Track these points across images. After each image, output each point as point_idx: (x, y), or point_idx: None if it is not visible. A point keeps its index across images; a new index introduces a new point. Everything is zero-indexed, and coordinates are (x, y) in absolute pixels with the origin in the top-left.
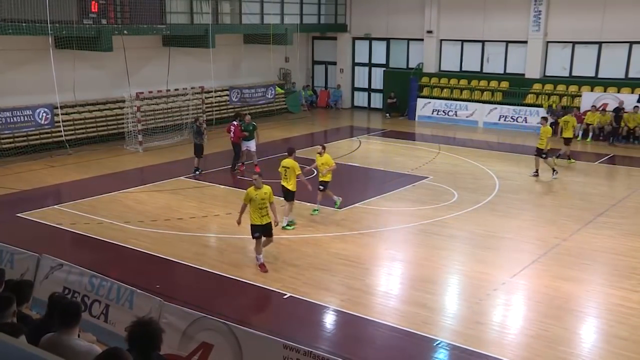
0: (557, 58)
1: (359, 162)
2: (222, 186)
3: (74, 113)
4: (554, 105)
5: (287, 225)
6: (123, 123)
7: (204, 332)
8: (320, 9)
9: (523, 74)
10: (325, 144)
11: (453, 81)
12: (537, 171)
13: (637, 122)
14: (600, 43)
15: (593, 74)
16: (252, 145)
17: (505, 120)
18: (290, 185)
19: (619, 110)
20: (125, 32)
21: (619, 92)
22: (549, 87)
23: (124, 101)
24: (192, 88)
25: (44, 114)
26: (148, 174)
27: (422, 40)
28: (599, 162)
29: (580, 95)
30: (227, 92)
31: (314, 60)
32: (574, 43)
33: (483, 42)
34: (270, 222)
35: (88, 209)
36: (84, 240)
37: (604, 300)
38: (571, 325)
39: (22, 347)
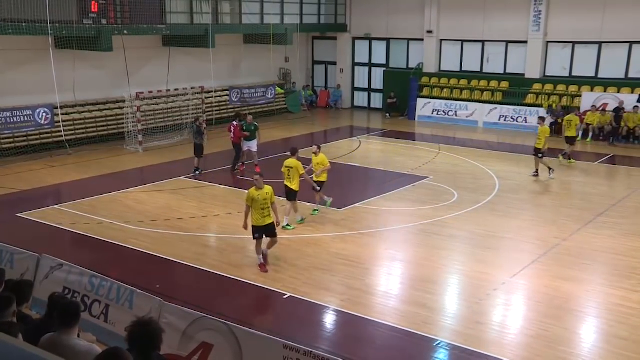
0: (557, 58)
1: (359, 162)
2: (222, 186)
3: (74, 113)
4: (554, 105)
5: (287, 225)
6: (123, 123)
7: (204, 332)
8: (320, 9)
9: (523, 74)
10: (322, 144)
11: (453, 81)
12: (537, 171)
13: (637, 122)
14: (600, 43)
15: (593, 74)
16: (253, 145)
17: (505, 120)
18: (294, 185)
19: (619, 110)
20: (125, 32)
21: (619, 92)
22: (549, 87)
23: (124, 101)
24: (192, 88)
25: (44, 114)
26: (148, 174)
27: (422, 40)
28: (599, 162)
29: (580, 95)
30: (227, 92)
31: (314, 60)
32: (574, 43)
33: (483, 42)
34: (273, 222)
35: (88, 209)
36: (84, 240)
37: (604, 300)
38: (571, 325)
39: (22, 347)
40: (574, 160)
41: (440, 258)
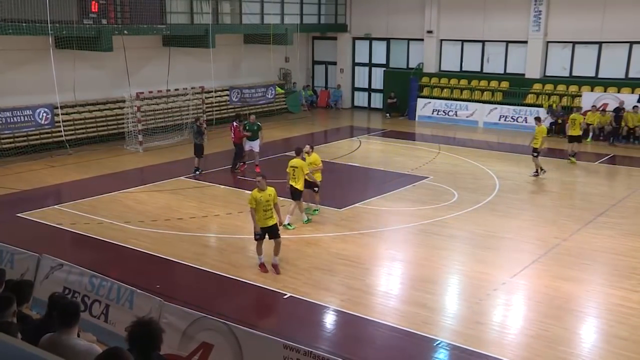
0: (557, 58)
1: (359, 162)
2: (222, 186)
3: (74, 113)
4: (554, 105)
5: (288, 224)
6: (123, 123)
7: (204, 332)
8: (320, 9)
9: (523, 74)
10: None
11: (453, 81)
12: (537, 171)
13: (637, 122)
14: (600, 43)
15: (593, 74)
16: (255, 145)
17: (505, 120)
18: (299, 185)
19: (619, 110)
20: (125, 32)
21: (619, 92)
22: (549, 87)
23: (124, 101)
24: (192, 88)
25: (44, 114)
26: (148, 174)
27: (422, 40)
28: (599, 162)
29: (580, 96)
30: (227, 92)
31: (314, 60)
32: (574, 43)
33: (483, 42)
34: (276, 224)
35: (88, 209)
36: (84, 240)
37: (604, 300)
38: (571, 325)
39: (22, 347)
40: (575, 161)
41: (440, 258)
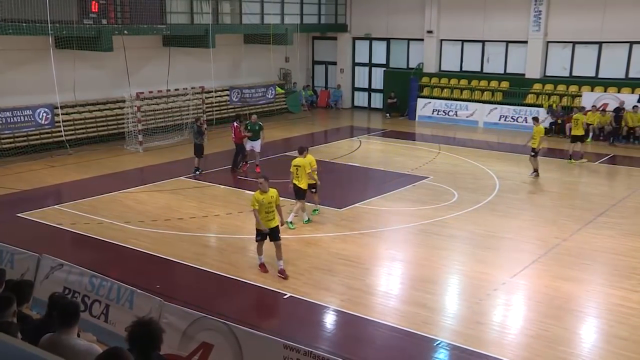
0: (557, 58)
1: (359, 162)
2: (223, 186)
3: (74, 113)
4: (554, 106)
5: (290, 222)
6: (123, 123)
7: (204, 332)
8: (320, 9)
9: (523, 74)
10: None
11: (453, 81)
12: (536, 170)
13: (637, 122)
14: (600, 43)
15: (593, 74)
16: (257, 145)
17: (505, 120)
18: (302, 184)
19: (619, 111)
20: (125, 32)
21: (619, 92)
22: (549, 87)
23: (124, 101)
24: (192, 88)
25: (44, 114)
26: (148, 174)
27: (422, 40)
28: (599, 162)
29: (580, 96)
30: (228, 92)
31: (314, 60)
32: (574, 43)
33: (483, 42)
34: (278, 226)
35: (88, 209)
36: (84, 240)
37: (604, 300)
38: (571, 325)
39: (22, 347)
40: (574, 161)
41: (440, 258)
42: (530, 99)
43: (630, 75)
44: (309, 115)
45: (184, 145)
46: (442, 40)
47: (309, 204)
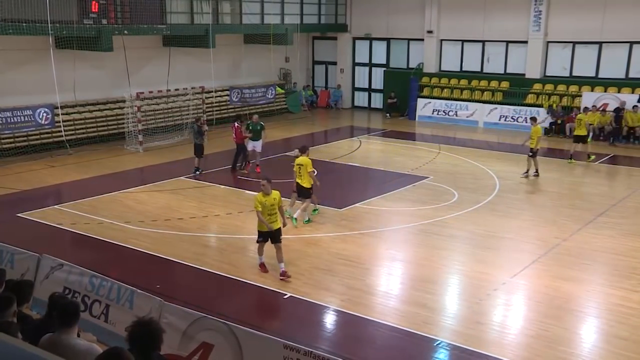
0: (557, 58)
1: (359, 162)
2: (223, 186)
3: (74, 113)
4: (554, 106)
5: (294, 218)
6: (123, 123)
7: (204, 332)
8: (320, 9)
9: (523, 74)
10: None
11: (453, 81)
12: (536, 171)
13: (637, 122)
14: (600, 43)
15: (593, 74)
16: (258, 145)
17: (505, 120)
18: (305, 183)
19: (619, 111)
20: (125, 32)
21: (619, 92)
22: (549, 87)
23: (124, 101)
24: (192, 88)
25: (44, 114)
26: (148, 174)
27: (422, 40)
28: (599, 162)
29: (580, 96)
30: (228, 92)
31: (314, 60)
32: (574, 43)
33: (483, 42)
34: (279, 228)
35: (88, 209)
36: (84, 240)
37: (604, 300)
38: (571, 325)
39: (22, 347)
40: (593, 157)
41: (440, 258)
42: (530, 99)
43: (631, 75)
44: (309, 115)
45: (184, 145)
46: (442, 40)
47: (311, 204)
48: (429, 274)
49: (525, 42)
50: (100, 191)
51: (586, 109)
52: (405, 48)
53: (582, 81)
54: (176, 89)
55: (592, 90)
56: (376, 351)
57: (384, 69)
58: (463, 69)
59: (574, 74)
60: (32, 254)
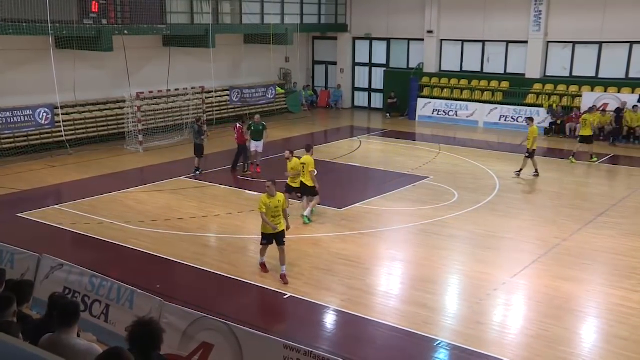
0: (557, 58)
1: (359, 162)
2: (223, 186)
3: (75, 113)
4: (554, 106)
5: (307, 217)
6: (123, 123)
7: (205, 332)
8: (320, 9)
9: (523, 74)
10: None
11: (453, 81)
12: (536, 170)
13: (637, 121)
14: (600, 43)
15: (593, 74)
16: (260, 145)
17: (505, 120)
18: (309, 181)
19: (620, 111)
20: (125, 32)
21: (619, 92)
22: (549, 87)
23: (124, 101)
24: (192, 88)
25: (45, 114)
26: (148, 174)
27: (422, 40)
28: (599, 162)
29: (580, 96)
30: (228, 92)
31: (314, 60)
32: (574, 43)
33: (483, 42)
34: (284, 230)
35: (88, 209)
36: (85, 240)
37: (604, 300)
38: (571, 325)
39: (22, 347)
40: (596, 159)
41: (440, 258)
42: (530, 99)
43: (631, 75)
44: (309, 115)
45: (184, 145)
46: (442, 40)
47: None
48: (429, 274)
49: (526, 42)
50: (101, 191)
51: (591, 109)
52: (406, 48)
53: (582, 81)
54: (176, 89)
55: (592, 91)
56: (376, 351)
57: (384, 69)
58: (463, 69)
59: (574, 74)
60: (32, 254)
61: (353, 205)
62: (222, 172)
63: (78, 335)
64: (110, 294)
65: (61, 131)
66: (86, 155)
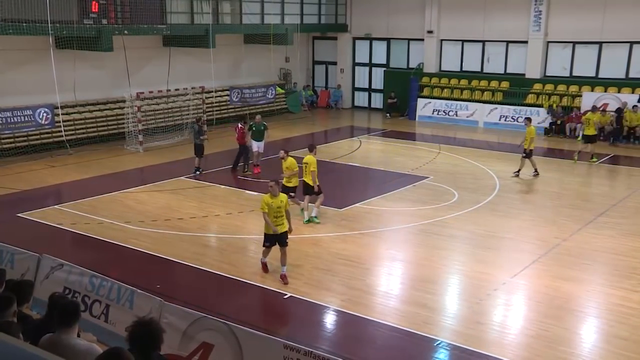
0: (557, 58)
1: (359, 162)
2: (223, 186)
3: (75, 113)
4: (554, 106)
5: (315, 217)
6: (123, 123)
7: (205, 332)
8: (320, 9)
9: (523, 74)
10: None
11: (453, 81)
12: (535, 170)
13: (637, 121)
14: (600, 43)
15: (593, 74)
16: (261, 146)
17: (505, 120)
18: (311, 181)
19: (621, 111)
20: (125, 32)
21: (619, 92)
22: (549, 87)
23: (124, 101)
24: (192, 88)
25: (45, 114)
26: (148, 174)
27: (422, 40)
28: (600, 162)
29: (580, 96)
30: (228, 92)
31: (314, 60)
32: (574, 43)
33: (483, 42)
34: (286, 231)
35: (88, 209)
36: (85, 240)
37: (604, 300)
38: (571, 325)
39: (22, 347)
40: (596, 160)
41: (440, 258)
42: (530, 99)
43: (631, 75)
44: (309, 115)
45: (184, 145)
46: (442, 40)
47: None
48: (429, 274)
49: (526, 42)
50: (101, 191)
51: (594, 108)
52: (406, 48)
53: (582, 81)
54: (176, 89)
55: (592, 91)
56: (376, 351)
57: (384, 69)
58: (463, 69)
59: (574, 74)
60: (32, 254)
61: (353, 205)
62: (222, 172)
63: (78, 335)
64: (110, 294)
65: (61, 131)
66: (86, 155)
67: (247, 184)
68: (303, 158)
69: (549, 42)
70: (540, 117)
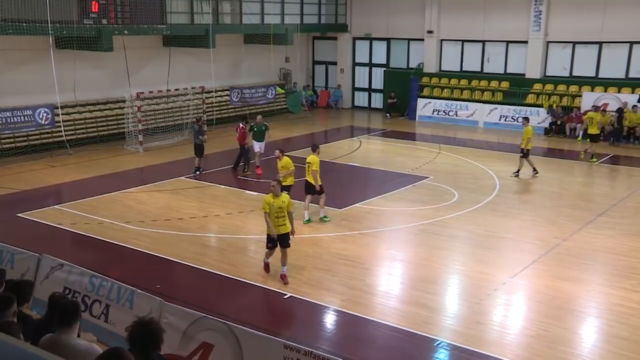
0: (557, 58)
1: (359, 162)
2: (223, 186)
3: (75, 113)
4: (554, 106)
5: (324, 216)
6: (123, 123)
7: (205, 332)
8: (320, 9)
9: (523, 74)
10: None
11: (453, 81)
12: (534, 170)
13: (636, 121)
14: (600, 43)
15: (593, 74)
16: (263, 146)
17: (505, 120)
18: (314, 180)
19: (622, 111)
20: (125, 32)
21: (619, 92)
22: (549, 87)
23: (124, 101)
24: (192, 88)
25: (45, 114)
26: (148, 174)
27: (422, 40)
28: (600, 162)
29: (580, 96)
30: (228, 92)
31: (314, 60)
32: (574, 43)
33: (483, 42)
34: (288, 233)
35: (88, 209)
36: (85, 240)
37: (604, 300)
38: (571, 325)
39: (22, 347)
40: (596, 160)
41: (440, 258)
42: (530, 99)
43: (631, 75)
44: (309, 115)
45: (184, 145)
46: (442, 40)
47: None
48: (429, 274)
49: (526, 42)
50: (100, 191)
51: (596, 108)
52: (406, 48)
53: (582, 81)
54: (176, 89)
55: (592, 90)
56: (376, 351)
57: (384, 69)
58: (463, 69)
59: (574, 74)
60: (32, 254)
61: (353, 205)
62: (222, 172)
63: (78, 336)
64: (110, 294)
65: (61, 131)
66: (86, 155)
67: (247, 184)
68: (305, 158)
69: (549, 42)
70: (540, 117)
